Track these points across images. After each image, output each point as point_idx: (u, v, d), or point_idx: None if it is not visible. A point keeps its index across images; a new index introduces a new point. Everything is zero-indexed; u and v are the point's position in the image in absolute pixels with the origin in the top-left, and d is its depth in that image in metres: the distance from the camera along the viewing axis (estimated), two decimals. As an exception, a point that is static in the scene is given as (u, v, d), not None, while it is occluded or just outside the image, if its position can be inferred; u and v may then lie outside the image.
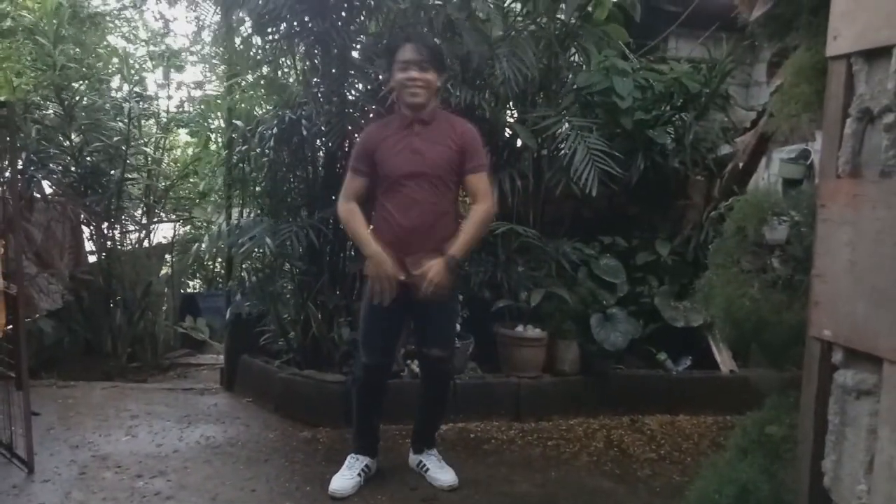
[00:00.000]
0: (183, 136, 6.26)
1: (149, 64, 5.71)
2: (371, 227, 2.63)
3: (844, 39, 1.37)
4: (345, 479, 2.73)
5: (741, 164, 3.79)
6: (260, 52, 3.78)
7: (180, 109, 5.86)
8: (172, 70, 5.78)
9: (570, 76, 3.92)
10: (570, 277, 3.83)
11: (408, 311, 2.66)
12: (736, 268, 1.87)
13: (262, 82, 4.01)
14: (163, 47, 5.78)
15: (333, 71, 3.48)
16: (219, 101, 4.81)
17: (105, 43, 5.57)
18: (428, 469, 2.85)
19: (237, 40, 3.98)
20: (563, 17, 3.67)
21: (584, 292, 3.80)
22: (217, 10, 3.99)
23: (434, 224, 2.55)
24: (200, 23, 5.00)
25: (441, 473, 2.81)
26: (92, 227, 5.26)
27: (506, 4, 3.65)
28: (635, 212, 4.21)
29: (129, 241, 5.52)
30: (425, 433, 2.94)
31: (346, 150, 3.48)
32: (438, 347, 2.68)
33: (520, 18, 3.74)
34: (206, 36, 5.33)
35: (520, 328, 3.74)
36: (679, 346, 3.93)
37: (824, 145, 1.44)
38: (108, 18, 5.29)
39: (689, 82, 3.89)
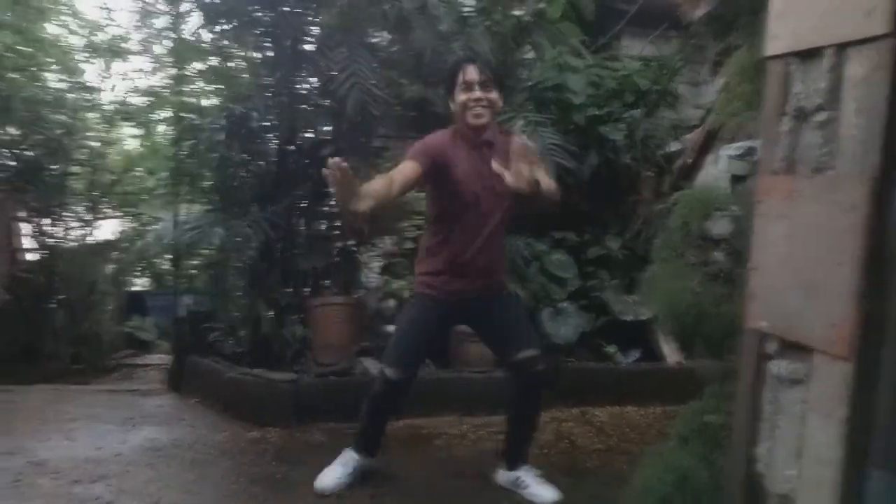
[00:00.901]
0: (127, 128, 6.05)
1: (89, 54, 5.48)
2: (427, 250, 2.55)
3: (781, 40, 1.41)
4: (334, 474, 2.66)
5: (689, 161, 3.88)
6: (208, 43, 3.67)
7: (124, 101, 5.66)
8: (116, 60, 5.57)
9: (525, 72, 3.94)
10: (521, 272, 3.86)
11: (470, 325, 2.62)
12: (679, 261, 1.91)
13: (210, 75, 3.90)
14: (106, 37, 5.55)
15: (285, 63, 3.41)
16: (165, 94, 4.67)
17: (46, 32, 5.34)
18: (528, 486, 2.66)
19: (185, 31, 3.88)
20: (518, 13, 3.69)
21: (536, 287, 3.83)
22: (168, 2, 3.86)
23: (493, 251, 2.51)
24: (146, 12, 4.81)
25: (543, 490, 2.63)
26: (32, 224, 5.05)
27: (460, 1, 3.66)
28: (587, 207, 4.27)
29: (72, 238, 5.32)
30: (521, 448, 2.74)
31: (299, 144, 3.42)
32: (531, 347, 2.52)
33: (474, 14, 3.74)
34: (153, 26, 5.15)
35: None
36: (628, 339, 4.01)
37: (762, 142, 1.48)
38: (48, 5, 5.06)
39: (639, 80, 3.97)
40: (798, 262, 1.37)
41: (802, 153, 1.39)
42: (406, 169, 2.35)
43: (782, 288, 1.42)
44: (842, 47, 1.27)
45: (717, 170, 4.06)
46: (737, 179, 3.71)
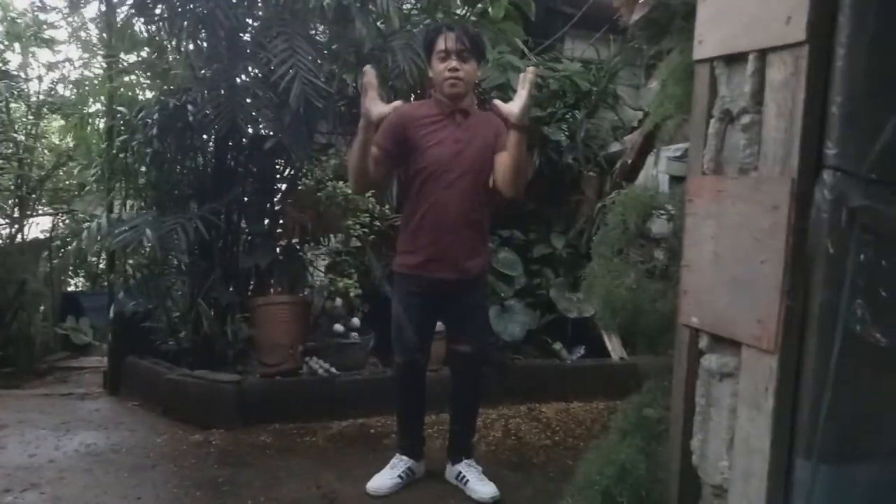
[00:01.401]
0: (56, 121, 5.78)
1: (10, 42, 5.20)
2: (404, 225, 2.54)
3: (708, 45, 1.46)
4: (384, 478, 2.63)
5: (630, 161, 3.98)
6: (142, 32, 3.55)
7: (52, 92, 5.40)
8: (42, 48, 5.30)
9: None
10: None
11: (438, 310, 2.60)
12: (617, 258, 1.96)
13: (143, 66, 3.77)
14: (31, 24, 5.28)
15: (222, 55, 3.32)
16: (96, 85, 4.49)
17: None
18: (468, 481, 2.66)
19: (117, 20, 3.73)
20: (460, 12, 3.70)
21: (484, 285, 3.86)
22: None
23: (471, 223, 2.46)
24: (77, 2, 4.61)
25: (482, 486, 2.63)
26: (-45, 221, 4.80)
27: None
28: (532, 206, 4.32)
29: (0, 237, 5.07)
30: (461, 440, 2.76)
31: (236, 138, 3.34)
32: (467, 343, 2.58)
33: (415, 12, 3.74)
34: (82, 14, 4.93)
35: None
36: (573, 336, 4.09)
37: (691, 143, 1.53)
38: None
39: (580, 81, 4.04)
40: (726, 260, 1.43)
41: (729, 154, 1.44)
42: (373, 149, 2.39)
43: (712, 285, 1.47)
44: (763, 53, 1.33)
45: (657, 170, 4.18)
46: (675, 179, 3.83)
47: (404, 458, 2.71)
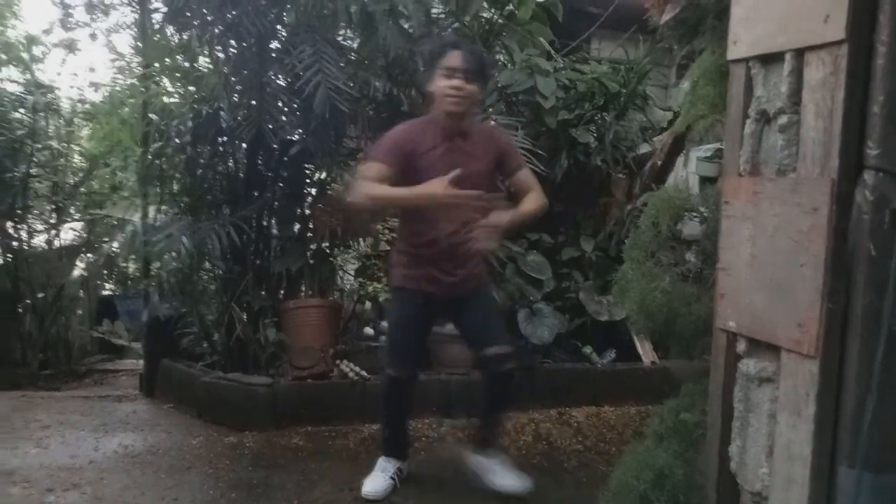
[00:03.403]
0: (90, 127, 5.90)
1: (46, 51, 5.35)
2: (402, 241, 2.55)
3: (743, 44, 1.44)
4: (377, 481, 2.64)
5: (659, 163, 3.94)
6: (173, 42, 3.62)
7: (81, 99, 5.53)
8: (73, 56, 5.45)
9: (495, 74, 3.96)
10: (497, 274, 3.87)
11: (448, 318, 2.63)
12: (650, 261, 1.94)
13: (176, 73, 3.84)
14: (63, 34, 5.42)
15: (250, 61, 3.37)
16: (128, 93, 4.59)
17: (5, 26, 5.21)
18: (496, 472, 2.67)
19: (149, 28, 3.81)
20: (486, 15, 3.70)
21: (512, 288, 3.85)
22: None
23: (471, 249, 2.43)
24: (106, 7, 4.71)
25: (512, 478, 2.63)
26: (-5, 227, 4.94)
27: (429, 2, 3.65)
28: (560, 209, 4.30)
29: (37, 242, 5.21)
30: (490, 433, 2.77)
31: (266, 143, 3.38)
32: (498, 344, 2.50)
33: (442, 16, 3.75)
34: (115, 24, 5.05)
35: (450, 325, 3.75)
36: (603, 339, 4.05)
37: (727, 144, 1.51)
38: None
39: (608, 82, 4.01)
40: (764, 263, 1.40)
41: (766, 155, 1.42)
42: (380, 171, 2.36)
43: (750, 288, 1.45)
44: (801, 52, 1.31)
45: (686, 171, 4.14)
46: (706, 180, 3.79)
47: (391, 459, 2.72)
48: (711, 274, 1.75)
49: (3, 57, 5.07)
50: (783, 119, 1.35)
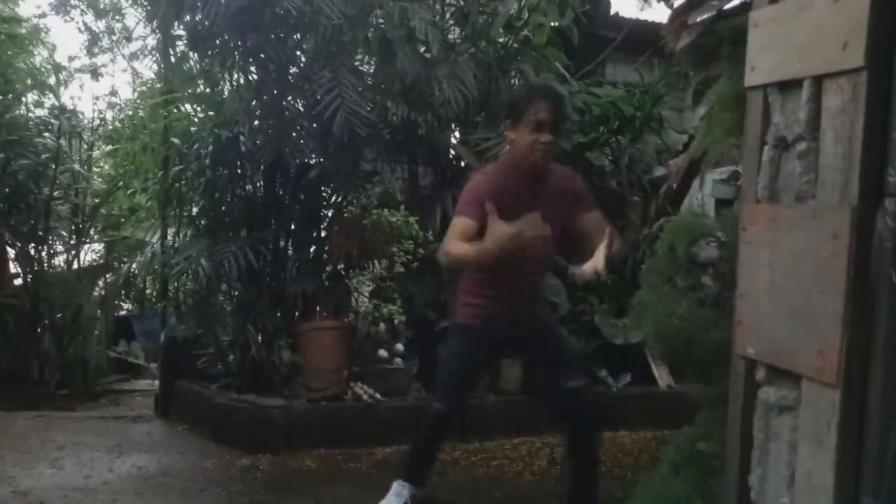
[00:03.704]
0: (111, 149, 6.00)
1: (71, 76, 5.49)
2: (471, 279, 2.50)
3: (760, 71, 1.44)
4: None
5: (675, 186, 3.93)
6: (196, 68, 3.70)
7: (102, 122, 5.64)
8: (97, 82, 5.58)
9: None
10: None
11: (519, 353, 2.64)
12: (667, 286, 1.93)
13: (197, 98, 3.92)
14: (87, 61, 5.57)
15: (270, 87, 3.43)
16: (150, 117, 4.67)
17: (33, 54, 5.34)
18: None
19: (172, 55, 3.90)
20: (502, 40, 3.74)
21: (527, 311, 3.83)
22: (154, 26, 3.88)
23: (537, 282, 2.47)
24: (128, 34, 4.84)
25: None
26: (17, 249, 5.02)
27: (446, 27, 3.71)
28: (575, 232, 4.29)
29: (57, 263, 5.29)
30: (584, 478, 2.48)
31: (285, 167, 3.42)
32: (576, 378, 2.41)
33: (459, 41, 3.79)
34: (138, 50, 5.18)
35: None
36: (619, 362, 4.00)
37: (744, 171, 1.51)
38: (23, 27, 5.05)
39: (623, 106, 4.02)
40: (784, 290, 1.39)
41: (784, 182, 1.42)
42: (465, 227, 2.33)
43: (769, 315, 1.43)
44: (819, 79, 1.31)
45: (702, 194, 4.12)
46: (722, 203, 3.77)
47: (407, 484, 2.63)
48: (729, 299, 1.74)
49: (30, 82, 5.20)
50: (802, 145, 1.35)
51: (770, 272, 1.42)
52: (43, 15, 5.48)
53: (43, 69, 5.30)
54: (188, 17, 3.25)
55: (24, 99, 5.15)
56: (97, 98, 5.82)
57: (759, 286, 1.46)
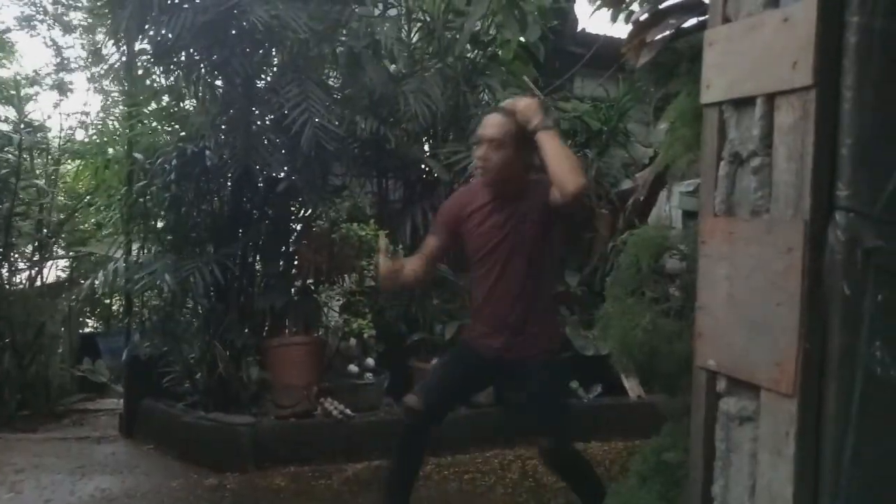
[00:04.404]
0: (74, 165, 5.91)
1: (36, 91, 5.39)
2: (472, 299, 2.59)
3: (716, 89, 1.48)
4: None
5: (642, 198, 3.97)
6: (160, 81, 3.66)
7: (70, 139, 5.55)
8: (64, 98, 5.49)
9: (478, 113, 4.02)
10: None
11: (483, 383, 2.63)
12: (631, 299, 1.95)
13: (162, 113, 3.88)
14: (53, 75, 5.48)
15: (237, 101, 3.41)
16: (115, 132, 4.61)
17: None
18: None
19: (136, 70, 3.85)
20: (470, 55, 3.77)
21: (497, 323, 3.84)
22: (117, 40, 3.83)
23: (528, 299, 2.34)
24: (96, 49, 4.78)
25: None
26: (-24, 266, 4.89)
27: (412, 44, 3.73)
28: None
29: (19, 280, 5.15)
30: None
31: (252, 181, 3.39)
32: (545, 436, 2.34)
33: (427, 56, 3.82)
34: (103, 65, 5.11)
35: (435, 361, 3.73)
36: (590, 374, 4.04)
37: (702, 185, 1.54)
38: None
39: (590, 120, 4.08)
40: (742, 302, 1.42)
41: (740, 196, 1.45)
42: (430, 244, 2.49)
43: (728, 327, 1.45)
44: (771, 97, 1.34)
45: (670, 206, 4.19)
46: (688, 214, 3.83)
47: None
48: (693, 310, 1.76)
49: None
50: (756, 161, 1.37)
51: (728, 285, 1.45)
52: (8, 30, 5.35)
53: (8, 83, 5.19)
54: (152, 32, 3.22)
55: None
56: (67, 115, 5.72)
57: (718, 299, 1.48)
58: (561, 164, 2.12)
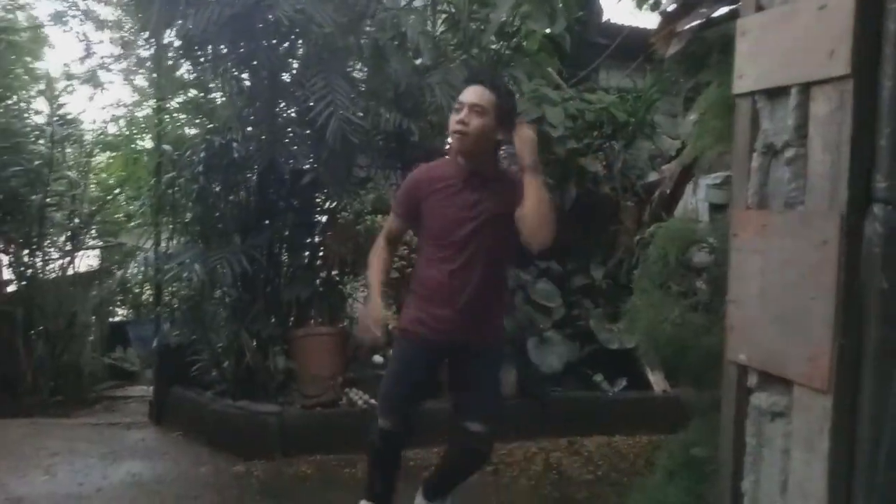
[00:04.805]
0: (106, 157, 6.02)
1: (69, 85, 5.50)
2: (415, 283, 2.38)
3: (748, 78, 1.45)
4: None
5: (668, 191, 3.93)
6: (188, 74, 3.70)
7: (104, 132, 5.66)
8: (96, 91, 5.60)
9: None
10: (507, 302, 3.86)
11: (436, 375, 2.44)
12: (659, 292, 1.93)
13: (190, 105, 3.92)
14: (86, 68, 5.59)
15: (263, 93, 3.44)
16: (143, 125, 4.69)
17: (28, 62, 5.35)
18: None
19: (165, 63, 3.91)
20: (495, 47, 3.75)
21: (521, 316, 3.84)
22: (147, 35, 3.89)
23: (484, 289, 2.27)
24: (126, 42, 4.85)
25: None
26: (11, 255, 5.01)
27: (437, 35, 3.72)
28: (570, 237, 4.30)
29: (51, 269, 5.28)
30: (441, 488, 2.53)
31: (278, 173, 3.41)
32: (480, 422, 2.29)
33: (451, 48, 3.80)
34: (133, 58, 5.19)
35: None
36: (614, 367, 4.01)
37: (734, 177, 1.51)
38: (22, 35, 5.06)
39: (616, 112, 4.04)
40: (774, 296, 1.39)
41: (773, 188, 1.42)
42: (391, 224, 2.42)
43: (760, 321, 1.43)
44: (807, 86, 1.31)
45: (696, 198, 4.13)
46: (716, 207, 3.78)
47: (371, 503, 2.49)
48: (721, 304, 1.74)
49: (26, 91, 5.21)
50: (790, 152, 1.35)
51: (761, 278, 1.43)
52: (41, 25, 5.44)
53: (42, 77, 5.31)
54: (180, 25, 3.25)
55: (20, 106, 5.15)
56: (102, 107, 5.88)
57: (750, 292, 1.46)
58: (536, 214, 2.12)
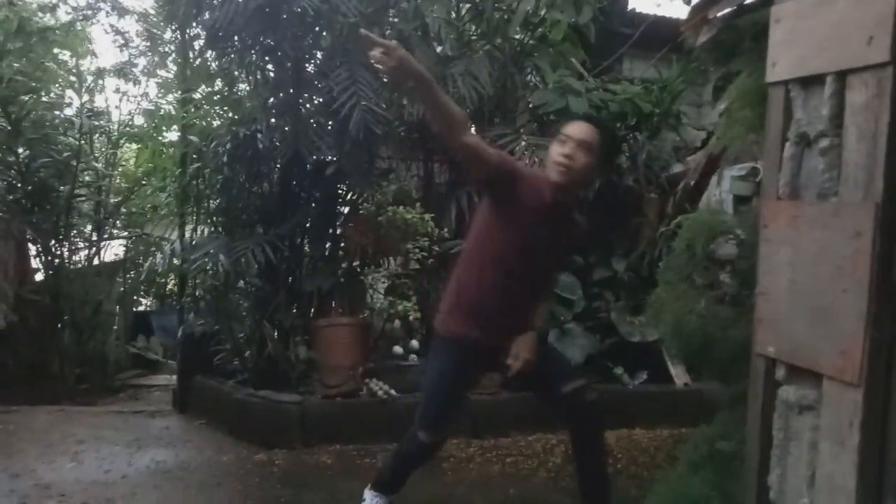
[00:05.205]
0: (133, 148, 6.10)
1: (99, 80, 5.57)
2: (458, 287, 2.33)
3: (782, 67, 1.42)
4: None
5: (692, 182, 3.89)
6: (213, 65, 3.73)
7: (131, 123, 5.73)
8: (124, 83, 5.66)
9: (526, 95, 3.97)
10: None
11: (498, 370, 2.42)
12: (685, 284, 1.91)
13: (215, 97, 3.95)
14: (115, 61, 5.66)
15: (287, 84, 3.45)
16: (171, 115, 4.73)
17: (57, 54, 5.42)
18: None
19: (191, 54, 3.94)
20: (518, 36, 3.73)
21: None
22: (172, 25, 3.92)
23: (527, 308, 2.31)
24: (153, 35, 4.89)
25: None
26: (39, 245, 5.10)
27: (461, 26, 3.70)
28: (591, 229, 4.27)
29: (78, 259, 5.36)
30: (595, 468, 2.38)
31: (301, 164, 3.43)
32: (576, 378, 2.28)
33: (474, 38, 3.79)
34: (159, 50, 5.24)
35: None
36: (635, 360, 3.98)
37: (765, 168, 1.49)
38: (57, 32, 5.14)
39: (641, 103, 3.99)
40: (805, 288, 1.37)
41: (806, 179, 1.40)
42: (487, 148, 2.17)
43: (790, 313, 1.41)
44: (843, 74, 1.29)
45: (720, 190, 4.08)
46: (740, 199, 3.73)
47: (381, 496, 2.48)
48: (748, 297, 1.72)
49: (57, 83, 5.29)
50: (824, 142, 1.33)
51: (791, 270, 1.41)
52: (73, 21, 5.50)
53: (71, 70, 5.38)
54: (207, 16, 3.27)
55: (50, 98, 5.23)
56: (129, 99, 5.94)
57: (780, 284, 1.44)
58: None
